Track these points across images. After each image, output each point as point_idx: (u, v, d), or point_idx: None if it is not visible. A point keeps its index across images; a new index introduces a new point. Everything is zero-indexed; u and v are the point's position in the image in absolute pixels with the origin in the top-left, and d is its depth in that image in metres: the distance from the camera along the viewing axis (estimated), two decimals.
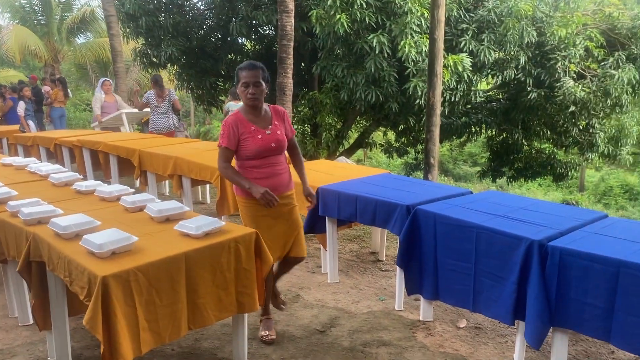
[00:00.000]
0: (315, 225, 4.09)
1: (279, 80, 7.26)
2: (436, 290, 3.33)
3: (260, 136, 3.15)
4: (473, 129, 13.33)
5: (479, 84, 11.40)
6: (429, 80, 8.48)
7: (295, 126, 13.71)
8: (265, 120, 3.24)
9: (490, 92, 13.50)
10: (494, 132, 14.09)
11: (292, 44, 7.12)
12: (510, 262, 2.89)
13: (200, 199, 6.90)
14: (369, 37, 9.45)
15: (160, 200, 5.87)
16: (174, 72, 14.33)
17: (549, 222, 3.07)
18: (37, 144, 7.50)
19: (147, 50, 13.03)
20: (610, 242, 2.79)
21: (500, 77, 10.95)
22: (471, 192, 3.92)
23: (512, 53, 10.14)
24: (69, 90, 11.40)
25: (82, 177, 4.11)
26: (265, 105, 3.29)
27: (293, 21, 7.10)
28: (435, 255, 3.29)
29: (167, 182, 7.03)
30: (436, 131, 8.61)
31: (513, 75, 10.73)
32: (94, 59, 21.87)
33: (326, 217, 3.95)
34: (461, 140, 16.18)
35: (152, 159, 5.45)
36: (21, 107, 10.20)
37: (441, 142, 15.82)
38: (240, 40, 14.29)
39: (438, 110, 8.53)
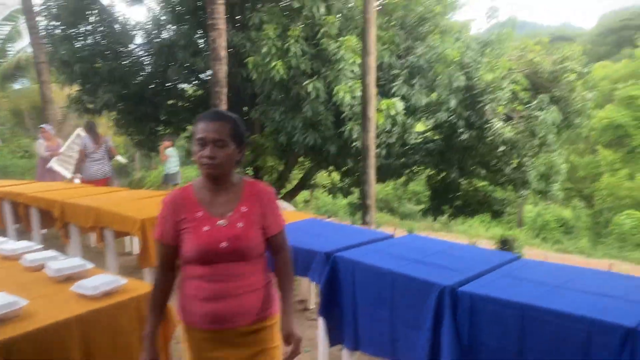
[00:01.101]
0: None
1: None
2: (357, 340, 3.29)
3: (206, 228, 2.05)
4: (412, 170, 13.65)
5: (414, 126, 11.76)
6: (363, 124, 8.68)
7: (237, 170, 13.64)
8: (227, 203, 2.12)
9: (426, 134, 13.95)
10: (432, 172, 14.46)
11: (225, 90, 7.15)
12: (424, 309, 2.89)
13: (127, 250, 6.64)
14: (305, 83, 9.62)
15: (78, 256, 5.62)
16: (113, 118, 14.07)
17: (462, 266, 3.11)
18: None
19: (82, 97, 12.77)
20: (518, 284, 2.85)
21: (433, 120, 11.34)
22: (392, 236, 3.96)
23: (443, 97, 10.54)
24: None
25: None
26: (237, 179, 2.21)
27: (226, 68, 7.14)
28: (355, 303, 3.26)
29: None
30: (371, 173, 8.76)
31: (445, 118, 11.13)
32: (30, 105, 21.21)
33: None
34: (402, 180, 16.54)
35: (74, 210, 5.24)
36: None
37: (383, 181, 16.15)
38: (180, 86, 14.27)
39: (372, 152, 8.71)
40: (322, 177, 18.08)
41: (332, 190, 15.19)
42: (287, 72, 9.54)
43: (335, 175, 15.85)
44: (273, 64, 9.37)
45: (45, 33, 11.73)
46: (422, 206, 20.76)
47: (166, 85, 13.36)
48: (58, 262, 2.83)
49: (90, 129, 7.75)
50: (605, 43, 51.10)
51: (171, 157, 11.30)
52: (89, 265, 2.87)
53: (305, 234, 3.86)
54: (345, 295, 3.32)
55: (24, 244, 3.38)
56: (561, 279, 2.95)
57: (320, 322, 3.49)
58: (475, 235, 21.97)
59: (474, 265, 3.17)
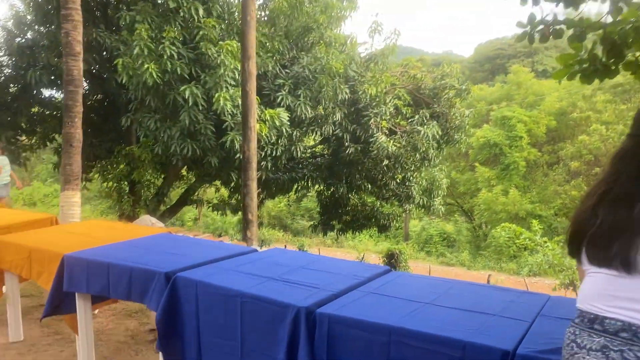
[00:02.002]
0: (61, 305, 3.27)
1: (65, 130, 6.32)
2: None
3: None
4: (301, 184, 13.33)
5: (302, 139, 11.45)
6: (244, 133, 8.17)
7: (111, 184, 12.50)
8: None
9: (315, 148, 13.73)
10: (322, 187, 14.26)
11: (80, 90, 6.30)
12: (277, 336, 2.41)
13: None
14: (182, 89, 8.93)
15: None
16: None
17: (325, 283, 2.68)
18: None
19: None
20: (385, 303, 2.47)
21: (319, 133, 11.11)
22: (256, 251, 3.46)
23: (329, 109, 10.34)
24: None
25: None
26: None
27: (81, 65, 6.31)
28: (199, 332, 2.70)
29: None
30: (253, 185, 8.24)
31: (331, 131, 10.96)
32: None
33: (75, 294, 3.16)
34: (290, 195, 16.20)
35: None
36: None
37: (273, 197, 15.70)
38: (47, 92, 12.88)
39: (254, 163, 8.20)
40: (210, 192, 17.26)
41: (218, 207, 14.45)
42: (162, 76, 8.80)
43: (224, 191, 15.14)
44: (146, 66, 8.59)
45: None
46: (312, 222, 20.64)
47: (29, 90, 11.93)
48: None
49: None
50: (482, 69, 55.35)
51: (4, 166, 9.61)
52: None
53: (148, 252, 3.24)
54: (187, 324, 2.74)
55: None
56: (434, 294, 2.62)
57: (160, 358, 2.88)
58: (364, 250, 22.20)
59: (340, 281, 2.76)
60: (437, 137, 11.24)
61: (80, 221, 5.99)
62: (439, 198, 13.61)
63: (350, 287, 2.68)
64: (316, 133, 11.37)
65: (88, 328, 3.19)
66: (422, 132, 10.81)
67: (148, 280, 2.88)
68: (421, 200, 13.10)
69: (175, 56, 8.90)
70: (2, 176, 9.22)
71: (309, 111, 10.10)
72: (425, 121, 11.13)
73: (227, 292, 2.60)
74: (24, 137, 13.02)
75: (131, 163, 11.84)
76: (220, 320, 2.63)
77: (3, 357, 3.39)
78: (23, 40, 11.56)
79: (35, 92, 12.03)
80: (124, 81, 8.98)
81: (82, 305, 3.14)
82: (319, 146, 13.75)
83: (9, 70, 12.05)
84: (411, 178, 12.65)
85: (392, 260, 16.18)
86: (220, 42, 9.11)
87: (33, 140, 13.43)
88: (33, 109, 12.66)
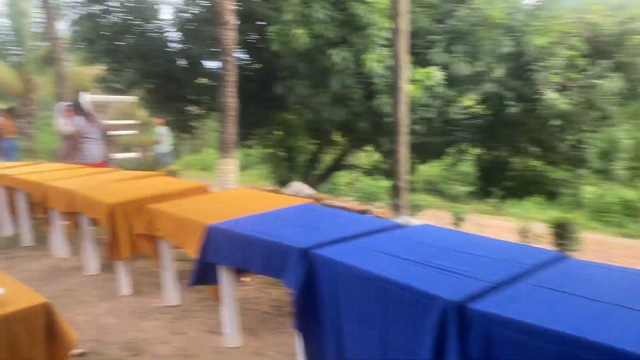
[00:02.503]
0: (206, 275, 3.28)
1: (221, 99, 6.52)
2: None
3: None
4: (456, 148, 12.57)
5: (458, 99, 10.67)
6: (393, 96, 7.76)
7: (268, 150, 13.00)
8: None
9: (472, 109, 12.77)
10: (480, 151, 13.32)
11: (232, 59, 6.42)
12: (421, 331, 2.07)
13: None
14: (331, 53, 8.75)
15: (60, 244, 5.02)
16: (140, 97, 13.68)
17: (481, 271, 2.25)
18: None
19: (107, 76, 12.39)
20: (560, 301, 1.97)
21: (477, 91, 10.22)
22: (401, 226, 3.12)
23: (488, 65, 9.42)
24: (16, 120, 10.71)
25: None
26: None
27: (233, 35, 6.41)
28: (337, 316, 2.47)
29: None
30: (403, 150, 7.84)
31: (491, 89, 10.00)
32: (74, 87, 21.23)
33: (218, 265, 3.13)
34: (450, 160, 15.43)
35: (52, 194, 4.67)
36: None
37: (424, 161, 15.09)
38: (210, 63, 13.68)
39: (404, 128, 7.77)
40: (362, 157, 17.18)
41: (370, 172, 14.31)
42: (311, 40, 8.69)
43: (376, 156, 14.90)
44: (296, 32, 8.54)
45: (68, 10, 11.34)
46: (470, 188, 19.61)
47: (195, 62, 12.76)
48: None
49: (78, 109, 6.94)
50: None
51: (163, 136, 10.65)
52: None
53: (288, 224, 3.08)
54: (325, 305, 2.52)
55: None
56: (623, 291, 2.05)
57: (297, 337, 2.71)
58: (528, 218, 20.53)
59: (498, 269, 2.30)
60: (620, 91, 9.65)
61: (230, 189, 6.17)
62: (621, 162, 11.85)
63: (513, 277, 2.20)
64: (473, 92, 10.48)
65: (231, 299, 3.15)
66: (601, 86, 9.35)
67: (284, 256, 2.70)
68: (598, 164, 11.53)
69: (326, 19, 8.70)
70: (164, 145, 10.06)
71: (466, 68, 9.29)
72: (606, 74, 9.60)
73: (366, 275, 2.30)
74: (191, 107, 14.03)
75: (286, 130, 12.15)
76: (359, 306, 2.35)
77: (157, 321, 3.55)
78: (189, 15, 12.30)
79: (200, 64, 12.83)
80: (276, 48, 9.06)
81: (224, 277, 3.10)
82: (477, 106, 12.75)
83: (178, 45, 12.98)
84: (585, 139, 11.15)
85: (561, 231, 14.66)
86: (369, 0, 8.69)
87: (200, 110, 14.46)
88: (199, 81, 13.56)
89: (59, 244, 5.03)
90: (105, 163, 6.83)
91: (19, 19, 18.97)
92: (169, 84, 12.77)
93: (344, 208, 6.56)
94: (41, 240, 5.49)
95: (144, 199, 3.96)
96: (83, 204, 4.17)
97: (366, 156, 17.06)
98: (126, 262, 4.05)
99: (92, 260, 4.47)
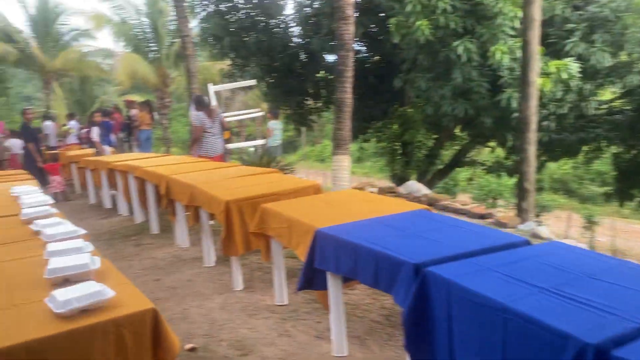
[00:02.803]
0: (313, 279, 3.20)
1: (337, 95, 6.45)
2: None
3: None
4: (591, 146, 11.45)
5: (596, 93, 9.65)
6: (522, 90, 7.19)
7: (384, 144, 12.79)
8: None
9: (612, 103, 11.51)
10: (620, 149, 12.02)
11: (350, 54, 6.30)
12: None
13: None
14: (455, 44, 8.31)
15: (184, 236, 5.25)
16: (263, 91, 14.15)
17: (625, 305, 1.91)
18: (98, 168, 7.42)
19: (232, 71, 12.95)
20: None
21: (619, 84, 9.16)
22: (528, 242, 2.79)
23: (634, 55, 8.38)
24: (154, 113, 11.55)
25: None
26: None
27: (352, 29, 6.29)
28: (451, 343, 2.25)
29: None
30: (531, 149, 7.25)
31: (637, 82, 8.90)
32: (202, 81, 22.60)
33: (327, 272, 3.04)
34: (582, 158, 14.13)
35: (176, 187, 4.91)
36: (95, 132, 10.41)
37: (555, 160, 13.93)
38: (330, 57, 13.77)
39: (533, 125, 7.17)
40: (485, 153, 16.33)
41: (492, 169, 13.53)
42: (433, 32, 8.32)
43: (499, 152, 14.05)
44: (418, 23, 8.23)
45: (197, 8, 12.00)
46: (606, 189, 17.86)
47: (315, 57, 12.91)
48: (60, 260, 2.30)
49: (201, 103, 6.97)
50: None
51: (274, 130, 10.78)
52: (93, 266, 2.29)
53: (400, 234, 2.89)
54: (438, 329, 2.31)
55: (69, 228, 2.96)
56: None
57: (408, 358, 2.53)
58: None
59: None
60: None
61: (343, 190, 6.09)
62: None
63: None
64: (615, 85, 9.42)
65: (339, 307, 3.05)
66: None
67: (395, 270, 2.53)
68: None
69: (449, 9, 8.28)
70: (273, 139, 10.25)
71: (608, 59, 8.34)
72: None
73: (486, 301, 2.06)
74: (310, 101, 14.23)
75: (404, 124, 11.85)
76: (477, 334, 2.12)
77: (266, 319, 3.55)
78: (309, 10, 12.45)
79: (319, 58, 12.95)
80: (397, 41, 8.82)
81: (333, 284, 3.00)
82: (618, 101, 11.47)
83: (299, 40, 13.21)
84: None
85: None
86: None
87: (318, 104, 14.64)
88: (318, 75, 13.71)
89: (181, 234, 5.29)
90: (222, 156, 7.06)
91: (157, 17, 20.51)
92: (289, 78, 13.06)
93: (462, 211, 6.20)
94: (166, 229, 5.83)
95: (258, 197, 4.00)
96: (202, 199, 4.31)
97: (488, 152, 16.19)
98: (240, 258, 4.12)
99: (209, 253, 4.63)
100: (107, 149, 9.71)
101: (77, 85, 30.21)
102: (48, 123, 14.39)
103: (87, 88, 29.83)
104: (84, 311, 1.87)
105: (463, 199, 9.38)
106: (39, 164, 8.81)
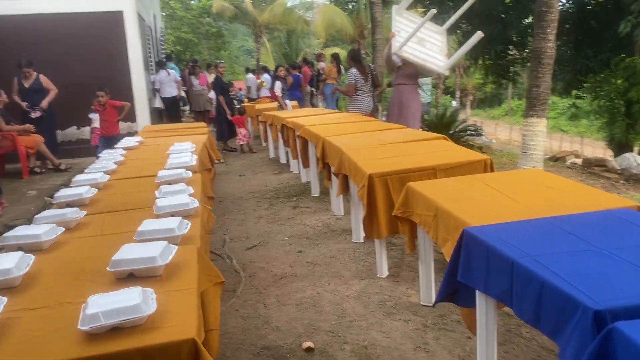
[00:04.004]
0: (457, 292, 2.40)
1: (535, 43, 5.22)
2: None
3: None
4: None
5: None
6: None
7: (602, 102, 10.74)
8: None
9: None
10: None
11: None
12: None
13: None
14: None
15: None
16: (456, 39, 12.84)
17: None
18: (274, 123, 7.36)
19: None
20: None
21: None
22: None
23: None
24: (341, 67, 11.25)
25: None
26: None
27: None
28: None
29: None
30: None
31: None
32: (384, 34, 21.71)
33: (476, 290, 2.24)
34: None
35: (329, 149, 4.44)
36: (277, 86, 10.41)
37: None
38: None
39: None
40: None
41: None
42: None
43: None
44: None
45: None
46: None
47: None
48: (135, 249, 1.91)
49: (355, 59, 6.74)
50: None
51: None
52: (165, 260, 1.86)
53: (586, 249, 1.96)
54: None
55: (179, 199, 2.66)
56: None
57: None
58: None
59: None
60: None
61: (521, 170, 4.97)
62: None
63: None
64: None
65: (489, 333, 2.25)
66: None
67: (565, 311, 1.67)
68: None
69: None
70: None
71: None
72: None
73: None
74: (513, 51, 12.56)
75: (630, 78, 9.71)
76: None
77: (405, 323, 2.92)
78: None
79: (527, 1, 11.18)
80: None
81: (483, 306, 2.22)
82: None
83: None
84: None
85: None
86: None
87: (524, 54, 12.83)
88: (525, 20, 11.92)
89: (336, 201, 4.87)
90: (372, 114, 6.75)
91: None
92: (489, 24, 11.56)
93: None
94: (327, 192, 5.46)
95: (408, 171, 3.32)
96: (348, 167, 3.78)
97: None
98: (390, 237, 3.53)
99: (358, 228, 4.10)
100: (289, 103, 9.72)
101: (284, 39, 31.90)
102: (250, 76, 15.25)
103: (293, 41, 31.28)
104: (114, 329, 1.48)
105: None
106: (228, 116, 9.18)
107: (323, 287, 3.43)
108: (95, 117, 7.87)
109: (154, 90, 10.86)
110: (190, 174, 3.37)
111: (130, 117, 9.14)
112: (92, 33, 8.51)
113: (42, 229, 2.26)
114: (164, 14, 29.71)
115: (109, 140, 6.86)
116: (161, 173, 3.32)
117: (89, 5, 8.40)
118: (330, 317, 3.04)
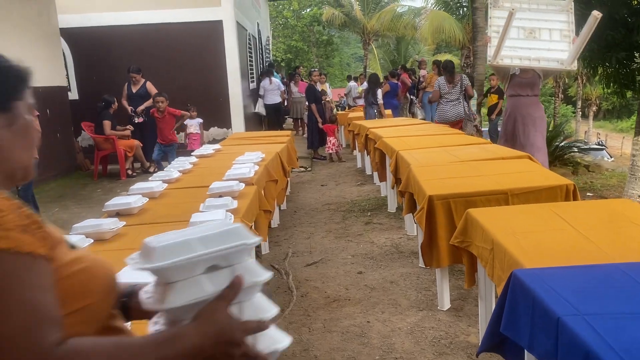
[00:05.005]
0: (502, 343, 2.00)
1: None
2: None
3: None
4: None
5: None
6: None
7: None
8: None
9: None
10: None
11: None
12: None
13: None
14: None
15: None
16: None
17: None
18: (360, 132, 7.14)
19: None
20: None
21: None
22: None
23: None
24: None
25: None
26: None
27: None
28: None
29: None
30: None
31: None
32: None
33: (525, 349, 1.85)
34: None
35: (401, 164, 4.13)
36: (379, 94, 10.03)
37: None
38: None
39: None
40: None
41: None
42: None
43: None
44: None
45: None
46: None
47: None
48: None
49: (446, 69, 7.17)
50: None
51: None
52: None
53: None
54: None
55: (215, 215, 2.54)
56: None
57: None
58: None
59: None
60: None
61: (609, 200, 4.28)
62: None
63: None
64: None
65: None
66: None
67: None
68: None
69: None
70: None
71: None
72: None
73: None
74: (637, 58, 11.21)
75: None
76: None
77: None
78: None
79: None
80: None
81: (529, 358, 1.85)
82: None
83: None
84: None
85: None
86: None
87: None
88: None
89: (410, 220, 4.55)
90: (461, 122, 6.56)
91: None
92: (611, 29, 10.43)
93: None
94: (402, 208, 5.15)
95: (475, 195, 2.95)
96: (413, 185, 3.47)
97: None
98: (447, 268, 3.18)
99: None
100: (385, 112, 9.44)
101: (393, 45, 31.57)
102: (351, 84, 15.17)
103: (402, 48, 30.85)
104: None
105: None
106: (319, 124, 9.13)
107: (375, 315, 3.16)
108: (192, 122, 8.15)
109: (258, 97, 11.17)
110: (242, 186, 3.27)
111: (226, 123, 9.43)
112: (193, 42, 8.88)
113: (72, 239, 2.25)
114: (277, 23, 30.76)
115: (166, 148, 6.95)
116: (214, 185, 3.26)
117: (191, 15, 8.78)
118: (374, 351, 2.78)
